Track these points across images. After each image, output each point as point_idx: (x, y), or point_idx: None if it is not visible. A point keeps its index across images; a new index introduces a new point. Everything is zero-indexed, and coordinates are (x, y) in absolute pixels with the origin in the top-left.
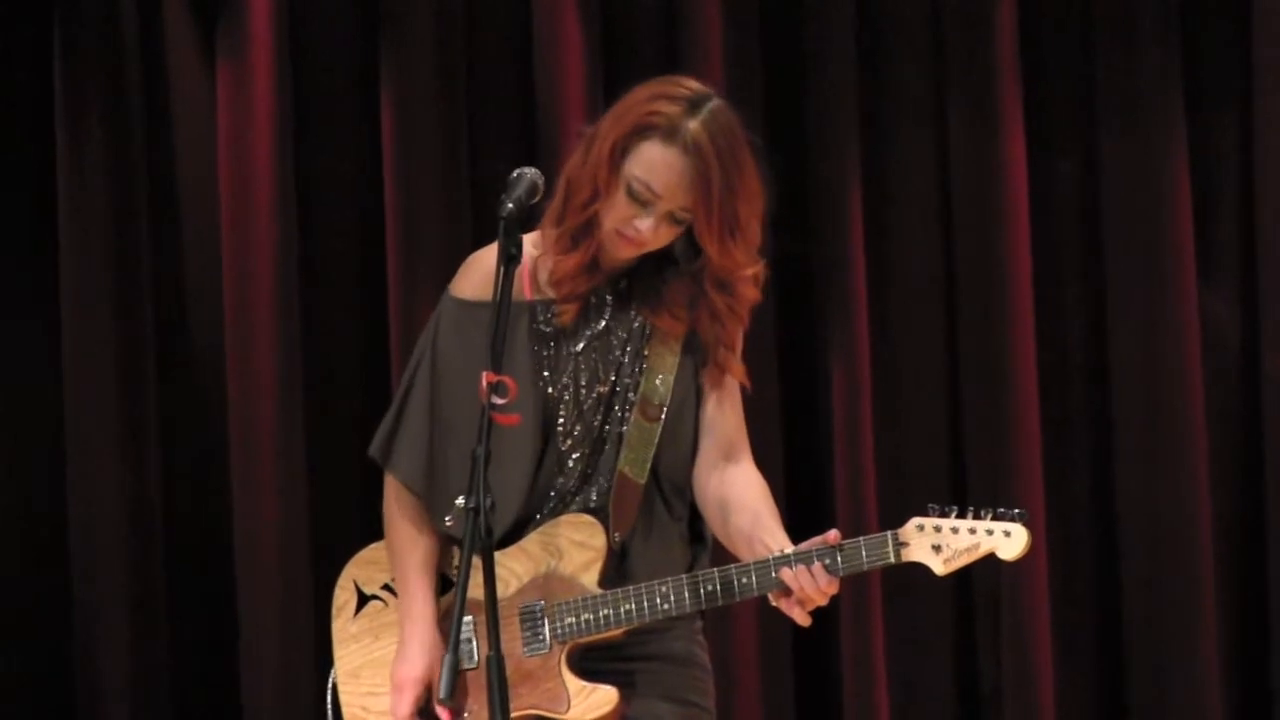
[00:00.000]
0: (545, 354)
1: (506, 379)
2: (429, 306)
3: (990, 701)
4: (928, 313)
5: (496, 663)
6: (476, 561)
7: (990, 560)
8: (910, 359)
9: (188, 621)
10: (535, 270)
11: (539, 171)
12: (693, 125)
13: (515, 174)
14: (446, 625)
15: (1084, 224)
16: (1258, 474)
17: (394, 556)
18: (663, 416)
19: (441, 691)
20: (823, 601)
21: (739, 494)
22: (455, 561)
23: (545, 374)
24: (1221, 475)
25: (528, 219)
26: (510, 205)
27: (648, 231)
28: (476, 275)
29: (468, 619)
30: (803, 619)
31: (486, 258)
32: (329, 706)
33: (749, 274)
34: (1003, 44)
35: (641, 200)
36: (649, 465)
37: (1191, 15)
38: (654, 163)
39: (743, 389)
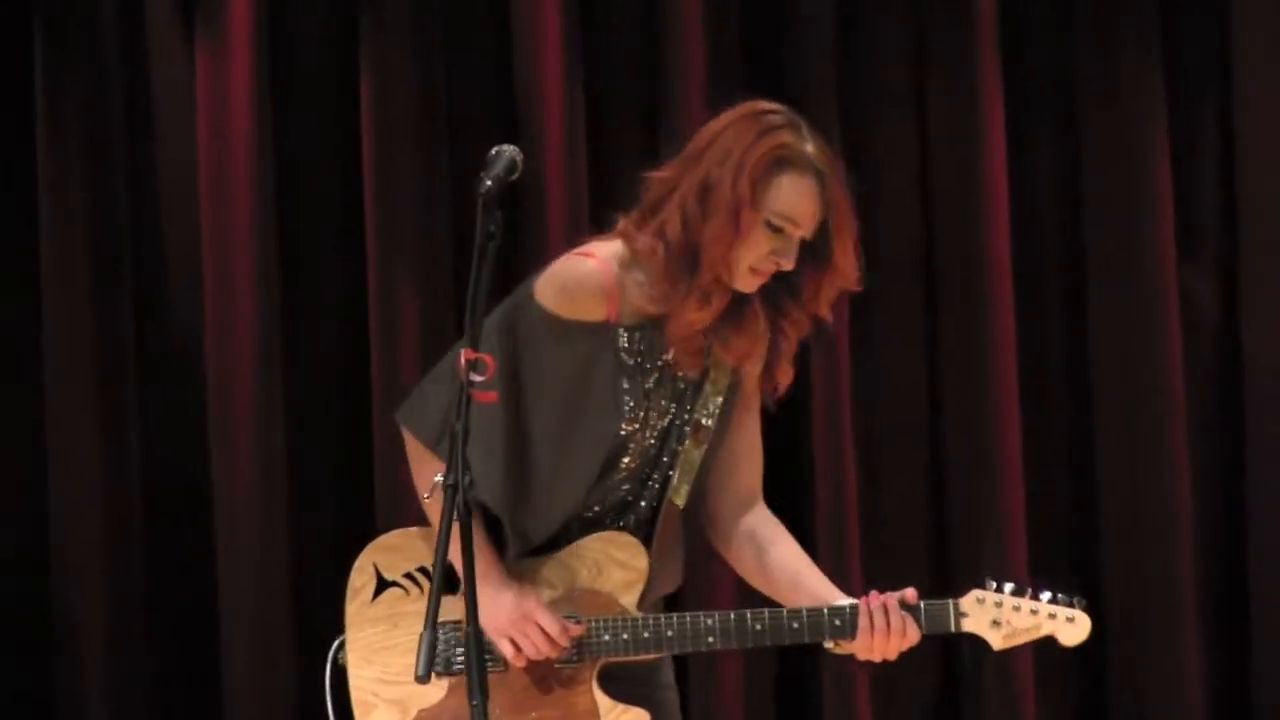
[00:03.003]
0: (625, 387)
1: (485, 356)
2: (408, 285)
3: (971, 693)
4: (907, 300)
5: (474, 637)
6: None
7: (974, 554)
8: (890, 345)
9: (168, 622)
10: (624, 292)
11: (518, 149)
12: (811, 149)
13: (494, 151)
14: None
15: (1065, 212)
16: (1239, 467)
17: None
18: (709, 441)
19: (419, 668)
20: (892, 656)
21: (771, 533)
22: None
23: (625, 410)
24: (1204, 467)
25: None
26: (489, 183)
27: (787, 263)
28: (573, 298)
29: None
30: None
31: (589, 281)
32: (328, 681)
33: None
34: (983, 33)
35: (782, 233)
36: (689, 490)
37: (1171, 4)
38: (794, 194)
39: None
